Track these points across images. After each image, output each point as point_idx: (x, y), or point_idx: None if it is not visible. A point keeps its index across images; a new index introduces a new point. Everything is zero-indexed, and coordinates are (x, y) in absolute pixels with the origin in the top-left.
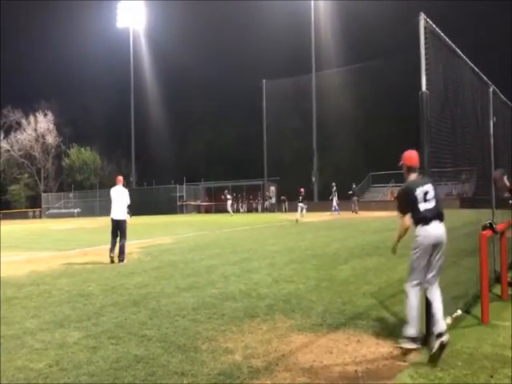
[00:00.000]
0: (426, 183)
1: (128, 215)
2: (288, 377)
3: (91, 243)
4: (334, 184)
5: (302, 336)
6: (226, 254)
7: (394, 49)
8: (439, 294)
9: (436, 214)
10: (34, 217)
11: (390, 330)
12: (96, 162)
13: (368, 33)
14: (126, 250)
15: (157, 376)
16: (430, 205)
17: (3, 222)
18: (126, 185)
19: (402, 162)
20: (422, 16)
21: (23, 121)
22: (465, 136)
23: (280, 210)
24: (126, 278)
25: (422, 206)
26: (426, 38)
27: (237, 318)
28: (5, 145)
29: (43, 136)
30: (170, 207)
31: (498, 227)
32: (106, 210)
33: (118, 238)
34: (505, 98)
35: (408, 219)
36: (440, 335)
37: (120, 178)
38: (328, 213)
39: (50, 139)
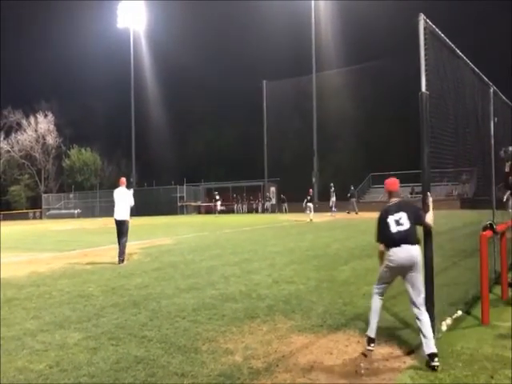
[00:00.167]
0: (399, 211)
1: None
2: (288, 378)
3: (91, 244)
4: (332, 185)
5: (302, 337)
6: (226, 255)
7: (394, 49)
8: (427, 317)
9: (405, 237)
10: (34, 218)
11: (390, 330)
12: (96, 162)
13: (368, 33)
14: (127, 251)
15: (157, 377)
16: (403, 228)
17: (3, 222)
18: (127, 186)
19: (385, 188)
20: (422, 17)
21: (23, 121)
22: (465, 137)
23: (280, 211)
24: (126, 279)
25: (394, 229)
26: (425, 39)
27: (237, 319)
28: (5, 145)
29: (43, 137)
30: (170, 208)
31: (499, 228)
32: (106, 210)
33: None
34: (506, 99)
35: (382, 246)
36: (431, 357)
37: (123, 179)
38: (328, 213)
39: (51, 140)
